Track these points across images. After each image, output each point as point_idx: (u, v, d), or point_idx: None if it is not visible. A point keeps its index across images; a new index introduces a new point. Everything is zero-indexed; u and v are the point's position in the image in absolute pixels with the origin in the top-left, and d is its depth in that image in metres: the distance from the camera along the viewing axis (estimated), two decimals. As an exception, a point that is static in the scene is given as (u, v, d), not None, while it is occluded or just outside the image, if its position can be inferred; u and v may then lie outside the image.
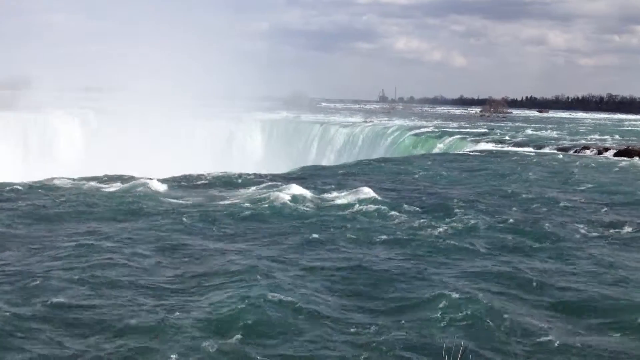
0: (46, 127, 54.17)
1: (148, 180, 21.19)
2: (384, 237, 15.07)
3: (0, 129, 51.02)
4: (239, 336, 8.97)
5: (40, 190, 19.63)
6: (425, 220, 16.82)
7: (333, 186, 21.86)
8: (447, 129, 57.51)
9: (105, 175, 22.71)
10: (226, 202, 19.18)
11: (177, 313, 9.75)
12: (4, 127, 51.59)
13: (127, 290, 10.77)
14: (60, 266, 11.81)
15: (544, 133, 55.67)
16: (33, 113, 54.62)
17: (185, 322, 9.34)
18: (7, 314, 9.35)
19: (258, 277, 11.33)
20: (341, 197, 19.65)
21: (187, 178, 23.64)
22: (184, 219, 16.30)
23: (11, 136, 51.88)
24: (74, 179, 21.90)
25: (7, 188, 19.68)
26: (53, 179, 21.72)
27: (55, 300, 10.10)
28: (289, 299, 10.37)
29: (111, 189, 20.49)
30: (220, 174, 24.42)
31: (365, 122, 65.72)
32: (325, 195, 20.18)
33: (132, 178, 22.08)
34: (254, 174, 25.30)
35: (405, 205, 18.85)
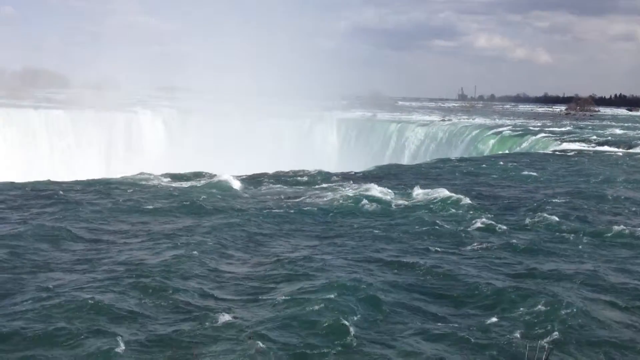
0: (131, 125, 56.35)
1: (227, 177, 21.60)
2: (467, 239, 14.67)
3: (88, 127, 53.49)
4: (340, 335, 8.96)
5: (128, 186, 20.41)
6: (510, 223, 16.29)
7: (411, 185, 21.53)
8: (530, 128, 55.67)
9: (187, 172, 23.33)
10: (304, 199, 19.27)
11: (259, 311, 9.83)
12: (92, 125, 54.04)
13: (209, 282, 10.97)
14: (153, 257, 12.16)
15: (633, 133, 52.94)
16: (119, 112, 56.92)
17: (270, 323, 9.40)
18: (120, 294, 9.71)
19: (344, 275, 11.28)
20: (420, 197, 19.34)
21: (265, 175, 23.95)
22: (262, 216, 16.50)
23: (98, 134, 54.26)
24: (157, 175, 22.64)
25: (97, 184, 20.57)
26: (140, 174, 22.55)
27: (151, 285, 10.43)
28: (386, 298, 10.36)
29: (192, 185, 21.04)
30: (297, 172, 24.60)
31: (444, 120, 64.60)
32: (403, 195, 19.92)
33: (211, 175, 22.59)
34: (331, 172, 25.31)
35: (486, 207, 18.36)
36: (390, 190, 20.16)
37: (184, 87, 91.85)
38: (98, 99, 59.98)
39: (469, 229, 15.63)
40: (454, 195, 19.05)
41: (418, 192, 19.91)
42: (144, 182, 21.29)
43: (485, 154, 41.15)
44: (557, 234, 15.41)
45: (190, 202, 18.03)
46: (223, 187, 20.60)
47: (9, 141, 50.31)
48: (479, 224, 16.08)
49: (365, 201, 18.35)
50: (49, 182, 20.63)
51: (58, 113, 53.97)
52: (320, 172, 24.71)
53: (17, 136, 50.75)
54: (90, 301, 9.63)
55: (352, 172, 26.41)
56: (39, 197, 18.11)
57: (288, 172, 24.62)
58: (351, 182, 22.35)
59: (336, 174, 24.90)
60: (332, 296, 10.16)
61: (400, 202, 18.85)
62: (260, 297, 10.49)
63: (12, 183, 20.21)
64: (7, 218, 15.38)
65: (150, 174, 22.69)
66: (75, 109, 54.74)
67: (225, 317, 9.36)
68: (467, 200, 18.77)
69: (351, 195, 19.10)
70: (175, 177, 22.68)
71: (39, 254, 12.49)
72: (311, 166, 26.52)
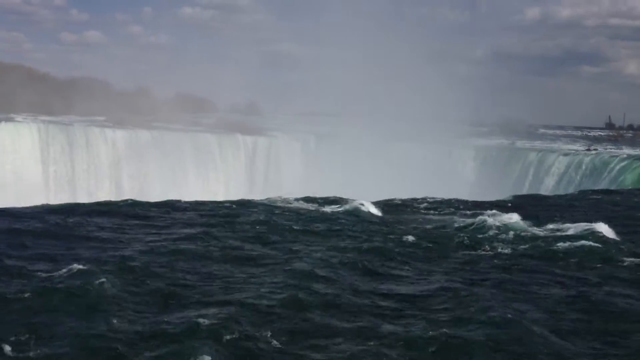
0: (271, 148, 58.86)
1: (363, 202, 21.78)
2: (617, 280, 13.69)
3: (232, 149, 56.63)
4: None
5: (266, 207, 21.26)
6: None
7: (552, 218, 20.49)
8: (688, 160, 51.07)
9: (323, 196, 23.84)
10: (439, 228, 19.00)
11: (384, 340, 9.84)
12: (235, 148, 57.17)
13: (332, 309, 11.14)
14: (275, 280, 12.58)
15: None
16: (260, 136, 59.66)
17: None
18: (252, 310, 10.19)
19: (498, 309, 11.02)
20: (562, 231, 18.27)
21: (399, 201, 23.93)
22: (395, 243, 16.49)
23: (240, 156, 57.23)
24: (295, 199, 23.36)
25: (239, 205, 21.65)
26: (277, 197, 23.41)
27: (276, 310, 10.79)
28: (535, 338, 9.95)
29: (327, 209, 21.46)
30: (432, 199, 24.34)
31: (589, 150, 61.12)
32: (544, 227, 18.97)
33: (347, 200, 22.90)
34: (467, 200, 24.77)
35: (637, 242, 17.07)
36: (529, 221, 19.30)
37: (322, 112, 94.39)
38: (242, 124, 63.27)
39: (622, 271, 14.54)
40: (603, 231, 17.82)
41: (561, 225, 18.86)
42: (281, 204, 22.04)
43: (637, 187, 38.27)
44: None
45: (326, 226, 18.42)
46: (359, 212, 20.82)
47: (159, 162, 54.48)
48: (633, 265, 14.91)
49: (501, 231, 17.73)
50: (196, 202, 22.00)
51: (205, 136, 57.68)
52: (456, 200, 24.27)
53: (166, 157, 54.88)
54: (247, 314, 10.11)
55: (489, 200, 25.66)
56: (182, 212, 19.38)
57: (423, 199, 24.43)
58: (489, 211, 21.68)
59: (473, 202, 24.32)
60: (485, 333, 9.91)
61: (541, 234, 17.98)
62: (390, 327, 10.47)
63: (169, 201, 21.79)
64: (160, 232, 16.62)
65: (287, 197, 23.46)
66: (221, 133, 58.16)
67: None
68: (617, 237, 17.49)
69: (490, 224, 18.48)
70: (311, 200, 23.25)
71: (184, 269, 13.31)
72: (445, 193, 26.13)
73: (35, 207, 19.40)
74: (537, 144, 70.49)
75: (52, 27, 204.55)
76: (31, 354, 8.64)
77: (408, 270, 14.11)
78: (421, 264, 14.68)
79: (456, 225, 19.14)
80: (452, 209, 22.58)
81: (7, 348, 8.70)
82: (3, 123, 53.96)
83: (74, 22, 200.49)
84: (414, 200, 24.19)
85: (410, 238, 17.13)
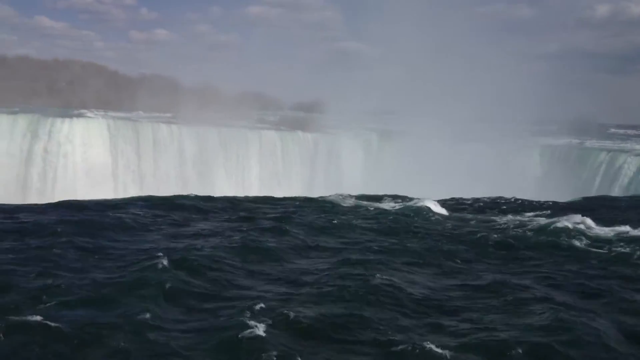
0: (333, 146, 58.98)
1: (426, 201, 21.51)
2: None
3: (294, 147, 57.15)
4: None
5: (326, 204, 21.33)
6: None
7: (626, 221, 19.64)
8: None
9: (383, 194, 23.70)
10: (505, 228, 18.51)
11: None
12: (298, 145, 57.68)
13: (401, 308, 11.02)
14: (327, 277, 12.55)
15: None
16: (322, 133, 59.88)
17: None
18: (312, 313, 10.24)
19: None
20: (635, 236, 17.53)
21: (461, 200, 23.53)
22: (460, 242, 16.21)
23: (302, 153, 57.65)
24: (354, 196, 23.32)
25: (299, 201, 21.78)
26: (336, 194, 23.44)
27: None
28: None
29: (389, 207, 21.31)
30: (494, 198, 23.81)
31: (663, 150, 58.32)
32: (617, 231, 18.14)
33: (409, 198, 22.69)
34: (532, 201, 24.08)
35: None
36: (598, 224, 18.58)
37: (387, 111, 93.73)
38: (305, 122, 63.69)
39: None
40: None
41: (635, 229, 18.03)
42: (340, 202, 22.03)
43: None
44: None
45: (386, 224, 18.29)
46: (421, 211, 20.58)
47: (223, 158, 55.53)
48: None
49: (578, 234, 17.07)
50: (258, 198, 22.29)
51: (268, 133, 58.41)
52: (523, 200, 23.64)
53: (231, 153, 55.93)
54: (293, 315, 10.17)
55: (556, 201, 24.87)
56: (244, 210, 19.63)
57: (489, 199, 23.91)
58: (557, 212, 21.03)
59: (539, 203, 23.62)
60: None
61: (617, 237, 17.20)
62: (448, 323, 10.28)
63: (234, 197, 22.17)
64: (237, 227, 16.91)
65: (347, 195, 23.44)
66: (284, 130, 58.78)
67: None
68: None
69: (561, 227, 17.82)
70: (371, 198, 23.15)
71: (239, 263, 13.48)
72: (512, 193, 25.45)
73: (105, 200, 20.09)
74: (608, 143, 67.88)
75: (122, 25, 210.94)
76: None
77: (479, 271, 13.80)
78: (493, 266, 14.35)
79: (524, 227, 18.61)
80: (519, 210, 21.99)
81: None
82: (75, 119, 56.10)
83: (143, 20, 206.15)
84: (479, 199, 23.71)
85: (478, 238, 16.79)
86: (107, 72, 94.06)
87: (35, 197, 48.95)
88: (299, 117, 70.43)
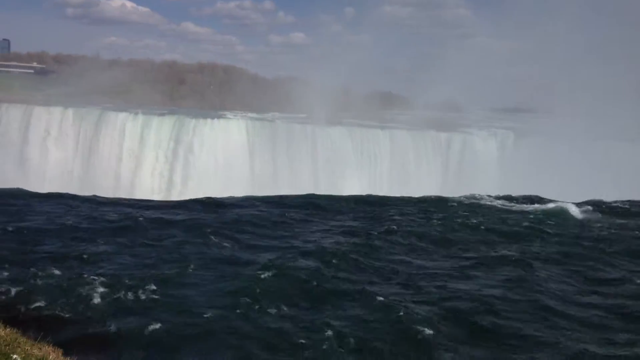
0: (466, 145, 57.56)
1: (563, 204, 20.54)
2: None
3: (425, 145, 56.56)
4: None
5: (460, 205, 20.95)
6: None
7: None
8: None
9: (520, 196, 22.84)
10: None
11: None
12: (429, 144, 57.00)
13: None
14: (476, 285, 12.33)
15: None
16: (455, 132, 58.66)
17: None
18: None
19: None
20: None
21: (604, 204, 22.09)
22: (601, 246, 15.32)
23: (435, 153, 56.85)
24: (490, 196, 22.66)
25: (430, 201, 21.55)
26: (471, 195, 22.88)
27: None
28: None
29: (526, 209, 20.55)
30: (636, 202, 22.16)
31: None
32: None
33: (546, 200, 21.73)
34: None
35: None
36: None
37: (526, 109, 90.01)
38: (438, 120, 62.72)
39: None
40: None
41: None
42: (475, 202, 21.54)
43: None
44: None
45: (526, 225, 17.69)
46: (558, 214, 19.66)
47: (355, 157, 56.20)
48: None
49: None
50: (390, 198, 22.33)
51: (401, 133, 58.23)
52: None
53: (362, 152, 56.39)
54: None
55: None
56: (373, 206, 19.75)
57: (632, 202, 22.30)
58: None
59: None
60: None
61: None
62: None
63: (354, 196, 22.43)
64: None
65: (482, 195, 22.82)
66: (416, 130, 58.32)
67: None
68: None
69: None
70: (509, 198, 22.40)
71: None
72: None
73: (243, 197, 21.07)
74: None
75: (261, 29, 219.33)
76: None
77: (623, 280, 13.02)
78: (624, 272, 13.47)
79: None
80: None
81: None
82: (216, 120, 59.22)
83: (281, 24, 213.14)
84: (620, 202, 22.16)
85: (617, 244, 15.80)
86: (247, 75, 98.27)
87: (177, 194, 52.21)
88: (432, 116, 69.43)
